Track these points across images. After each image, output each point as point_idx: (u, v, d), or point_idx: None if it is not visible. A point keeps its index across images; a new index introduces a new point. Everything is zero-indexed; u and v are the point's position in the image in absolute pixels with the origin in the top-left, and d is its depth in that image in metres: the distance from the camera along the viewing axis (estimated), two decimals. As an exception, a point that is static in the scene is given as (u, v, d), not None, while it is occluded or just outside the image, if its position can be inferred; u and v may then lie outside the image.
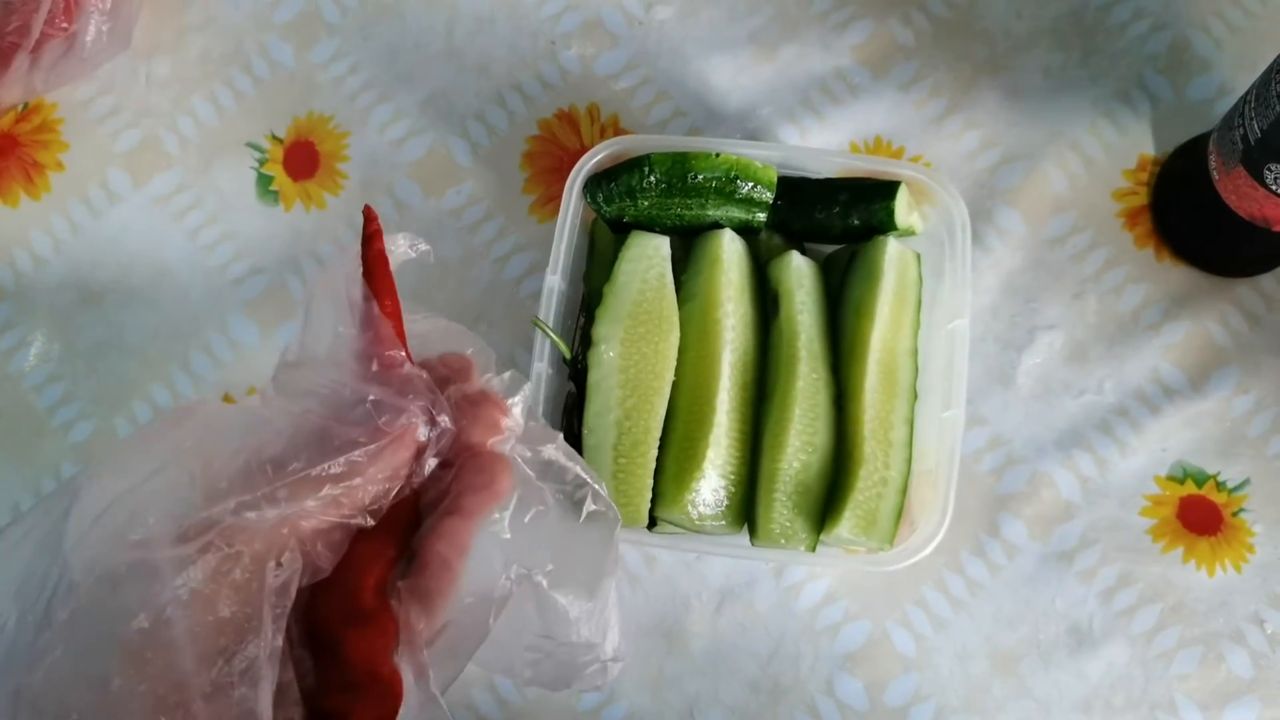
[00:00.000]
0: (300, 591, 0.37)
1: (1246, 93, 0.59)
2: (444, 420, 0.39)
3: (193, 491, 0.35)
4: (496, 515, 0.40)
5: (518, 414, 0.42)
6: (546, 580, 0.41)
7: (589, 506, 0.43)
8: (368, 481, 0.37)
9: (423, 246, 0.44)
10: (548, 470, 0.43)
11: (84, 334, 0.70)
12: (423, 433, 0.38)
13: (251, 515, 0.34)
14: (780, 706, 0.63)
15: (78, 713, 0.31)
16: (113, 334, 0.70)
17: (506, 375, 0.43)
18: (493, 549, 0.40)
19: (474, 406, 0.40)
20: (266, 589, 0.33)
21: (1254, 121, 0.57)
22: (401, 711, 0.37)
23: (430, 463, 0.39)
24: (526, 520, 0.41)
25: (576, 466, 0.44)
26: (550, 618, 0.42)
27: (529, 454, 0.42)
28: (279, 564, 0.34)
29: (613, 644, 0.44)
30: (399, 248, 0.44)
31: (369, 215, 0.43)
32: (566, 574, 0.42)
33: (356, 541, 0.38)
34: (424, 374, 0.40)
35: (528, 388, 0.43)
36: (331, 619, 0.37)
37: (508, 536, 0.41)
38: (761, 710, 0.63)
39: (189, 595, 0.32)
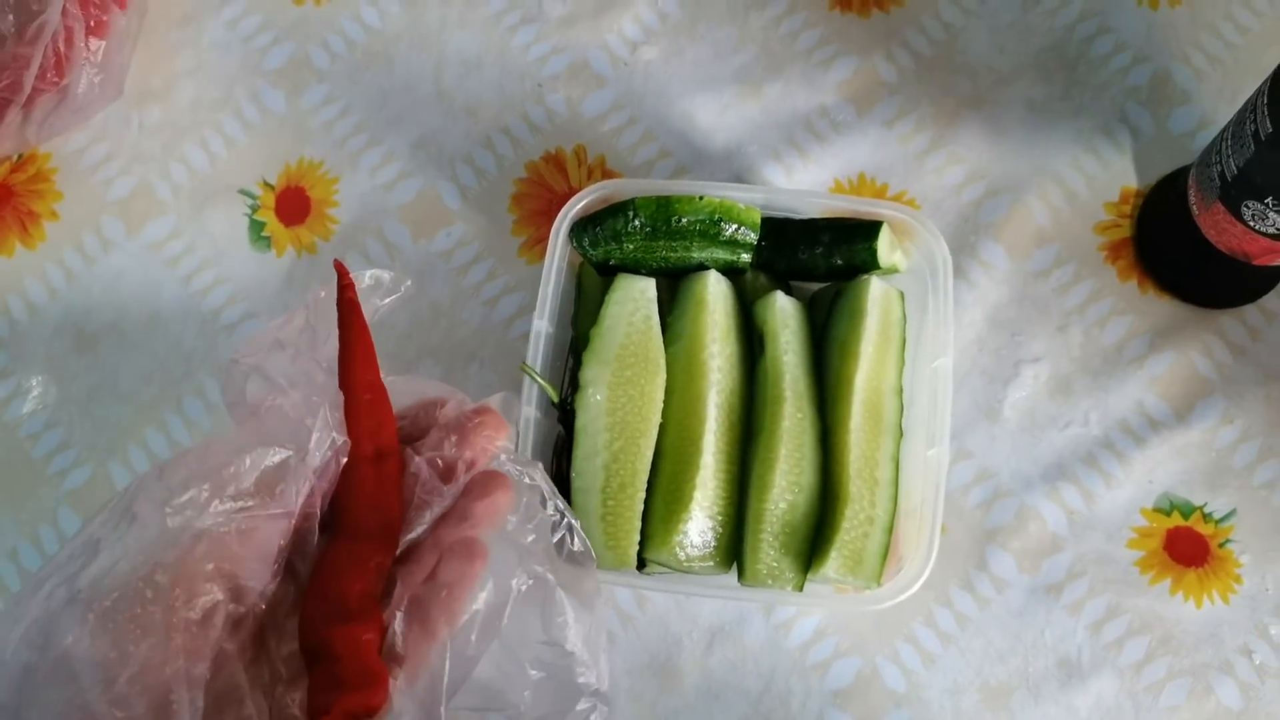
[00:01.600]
0: (268, 614, 0.38)
1: (1223, 130, 0.60)
2: (333, 432, 0.40)
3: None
4: (509, 519, 0.42)
5: (512, 432, 0.44)
6: (555, 579, 0.43)
7: (568, 545, 0.45)
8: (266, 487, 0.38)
9: (387, 276, 0.46)
10: (534, 495, 0.44)
11: (79, 380, 0.71)
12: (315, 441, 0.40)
13: (154, 535, 0.35)
14: (772, 743, 0.63)
15: None
16: (107, 380, 0.71)
17: (500, 396, 0.45)
18: (507, 550, 0.42)
19: (474, 420, 0.43)
20: (176, 622, 0.34)
21: (1230, 159, 0.57)
22: (402, 708, 0.38)
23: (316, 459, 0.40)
24: (531, 525, 0.43)
25: (556, 500, 0.45)
26: (555, 621, 0.43)
27: (518, 473, 0.44)
28: (193, 595, 0.35)
29: (604, 675, 0.45)
30: (370, 284, 0.45)
31: (340, 270, 0.44)
32: (565, 582, 0.43)
33: (337, 550, 0.40)
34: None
35: (515, 411, 0.45)
36: (317, 623, 0.39)
37: (528, 540, 0.43)
38: (753, 747, 0.63)
39: (89, 642, 0.33)
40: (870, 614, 0.65)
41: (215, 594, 0.36)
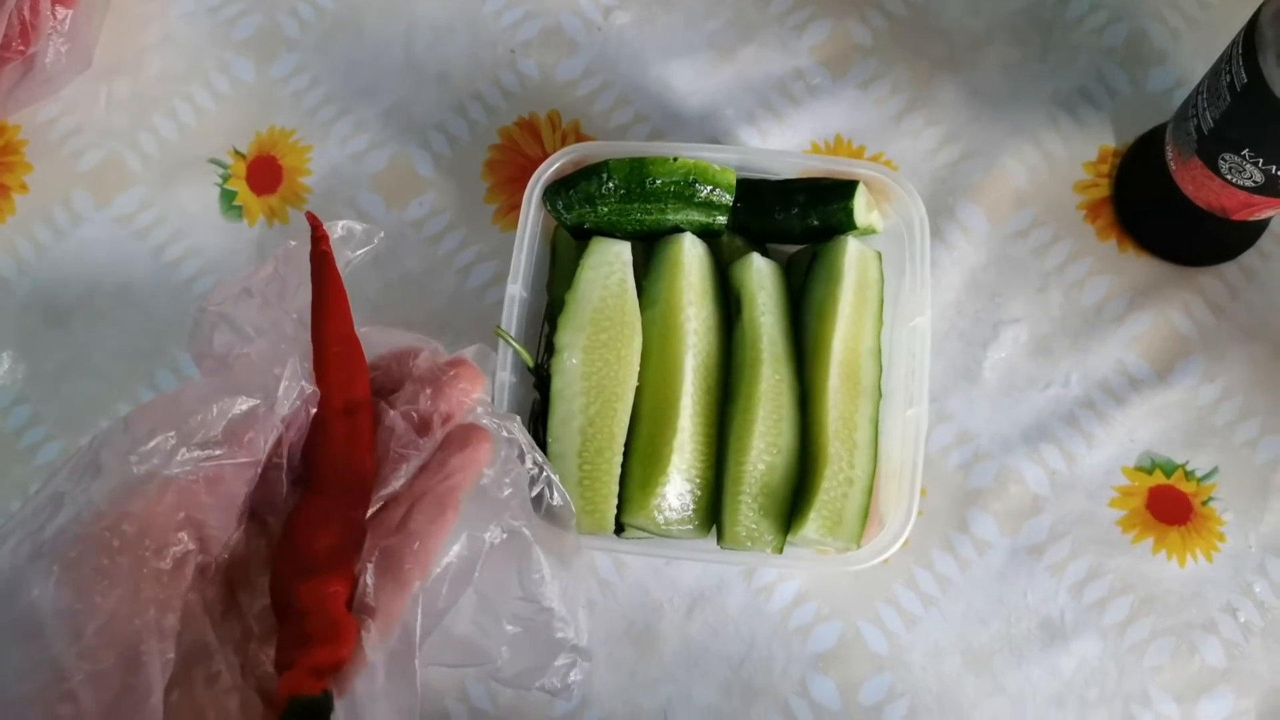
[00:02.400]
0: (238, 567, 0.38)
1: (1199, 84, 0.59)
2: (302, 381, 0.40)
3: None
4: (485, 473, 0.41)
5: (487, 384, 0.43)
6: (532, 534, 0.42)
7: (547, 500, 0.45)
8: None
9: (359, 228, 0.46)
10: (513, 449, 0.44)
11: (50, 355, 0.70)
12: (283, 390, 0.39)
13: (117, 484, 0.35)
14: (754, 708, 0.63)
15: None
16: (78, 354, 0.70)
17: (474, 348, 0.44)
18: (483, 503, 0.41)
19: (448, 372, 0.42)
20: (144, 571, 0.34)
21: (1207, 112, 0.57)
22: (366, 670, 0.37)
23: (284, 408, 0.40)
24: (508, 480, 0.42)
25: (534, 453, 0.44)
26: (532, 578, 0.42)
27: (495, 426, 0.43)
28: (162, 544, 0.34)
29: (582, 630, 0.44)
30: (341, 235, 0.45)
31: (313, 221, 0.44)
32: (542, 538, 0.43)
33: (308, 504, 0.40)
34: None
35: (490, 360, 0.44)
36: (285, 578, 0.39)
37: (503, 494, 0.42)
38: (735, 713, 0.63)
39: (56, 593, 0.32)
40: (851, 578, 0.64)
41: (186, 543, 0.35)
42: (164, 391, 0.69)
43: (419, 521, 0.39)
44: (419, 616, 0.39)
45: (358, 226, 0.46)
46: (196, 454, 0.36)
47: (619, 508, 0.59)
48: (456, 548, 0.40)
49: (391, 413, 0.42)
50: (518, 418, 0.44)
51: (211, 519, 0.36)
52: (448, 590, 0.40)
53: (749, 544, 0.58)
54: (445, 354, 0.44)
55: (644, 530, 0.59)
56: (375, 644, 0.38)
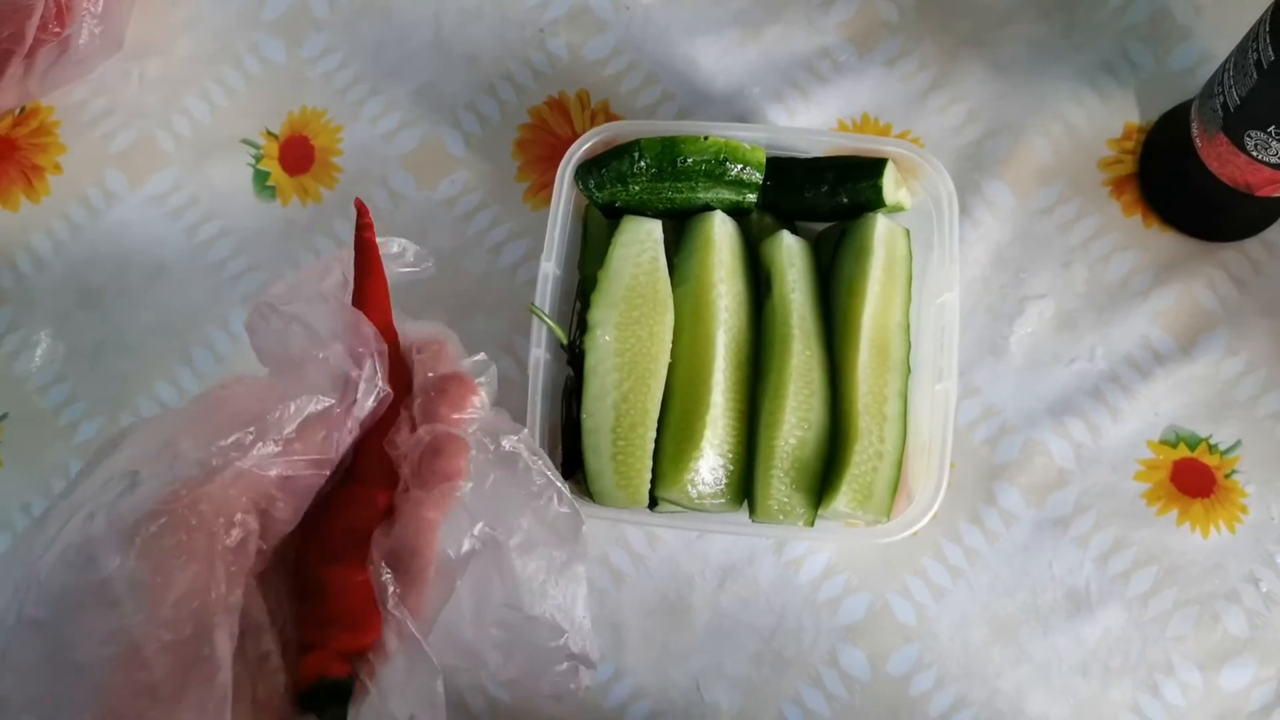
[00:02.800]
0: (278, 549, 0.39)
1: (1225, 61, 0.60)
2: (379, 382, 0.41)
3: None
4: (462, 485, 0.42)
5: (484, 396, 0.43)
6: (513, 541, 0.43)
7: (555, 509, 0.45)
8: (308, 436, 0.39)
9: (413, 250, 0.48)
10: (509, 461, 0.44)
11: (86, 334, 0.71)
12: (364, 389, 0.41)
13: (196, 473, 0.36)
14: (784, 679, 0.64)
15: (42, 684, 0.33)
16: (114, 333, 0.71)
17: (478, 358, 0.45)
18: (460, 513, 0.42)
19: (445, 384, 0.43)
20: (218, 549, 0.35)
21: (1233, 89, 0.58)
22: (390, 659, 0.39)
23: (367, 404, 0.41)
24: (486, 487, 0.43)
25: (540, 463, 0.45)
26: (514, 585, 0.43)
27: (490, 444, 0.43)
28: (231, 524, 0.36)
29: (582, 639, 0.45)
30: (396, 251, 0.47)
31: (360, 208, 0.45)
32: (532, 546, 0.44)
33: (341, 491, 0.41)
34: (374, 331, 0.42)
35: (492, 371, 0.45)
36: (313, 560, 0.40)
37: (473, 500, 0.42)
38: (766, 683, 0.64)
39: (134, 565, 0.34)
40: (880, 550, 0.65)
41: (252, 525, 0.37)
42: (201, 370, 0.70)
43: (408, 531, 0.40)
44: (413, 613, 0.40)
45: (412, 248, 0.47)
46: (272, 449, 0.38)
47: (652, 482, 0.60)
48: (450, 550, 0.42)
49: (403, 412, 0.43)
50: (523, 429, 0.44)
51: (278, 510, 0.38)
52: (436, 591, 0.41)
53: (781, 517, 0.59)
54: (460, 347, 0.45)
55: (677, 504, 0.60)
56: (394, 635, 0.40)
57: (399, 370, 0.44)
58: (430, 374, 0.43)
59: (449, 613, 0.42)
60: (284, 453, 0.38)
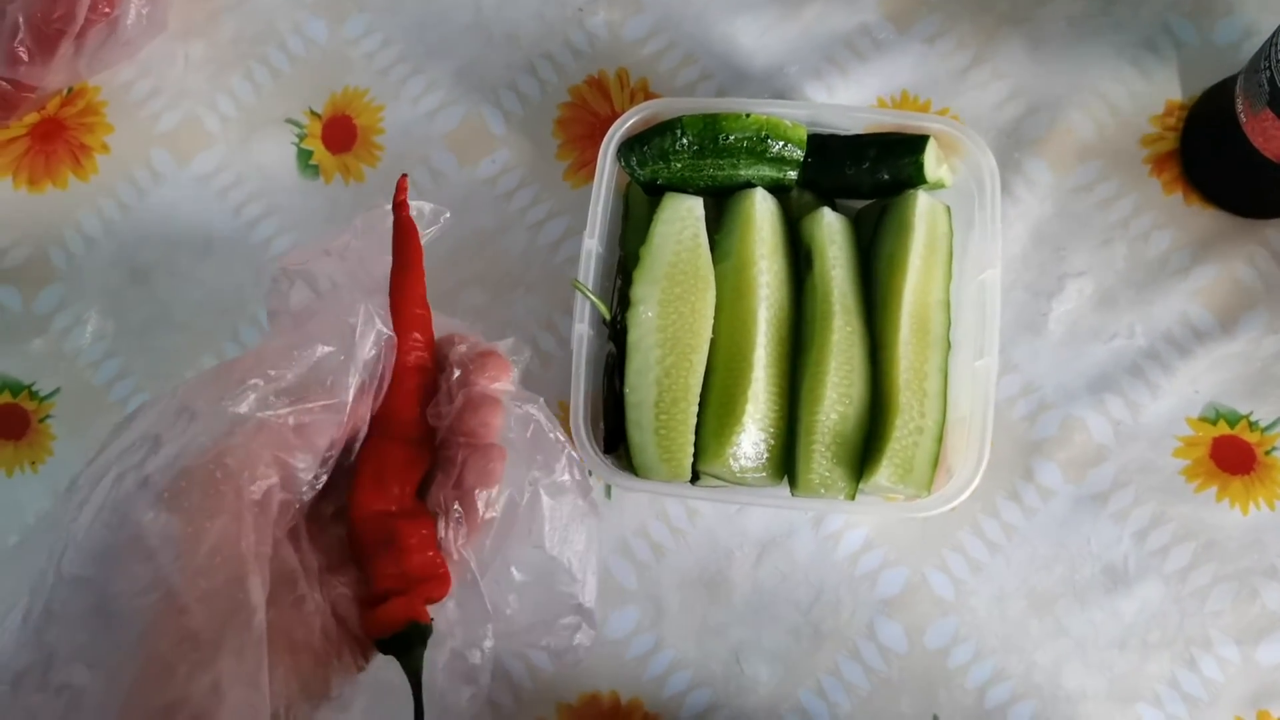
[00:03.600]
0: (312, 500, 0.41)
1: (1273, 35, 0.59)
2: (378, 324, 0.43)
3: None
4: (508, 436, 0.45)
5: (516, 373, 0.46)
6: (546, 481, 0.46)
7: (565, 476, 0.47)
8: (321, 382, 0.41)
9: (427, 208, 0.49)
10: (535, 429, 0.46)
11: (135, 311, 0.72)
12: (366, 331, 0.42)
13: (216, 429, 0.38)
14: (823, 651, 0.65)
15: (89, 635, 0.34)
16: (162, 310, 0.72)
17: (508, 341, 0.47)
18: (507, 463, 0.44)
19: (483, 360, 0.45)
20: (245, 502, 0.37)
21: None
22: (451, 594, 0.42)
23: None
24: (522, 441, 0.46)
25: (556, 430, 0.47)
26: (542, 524, 0.45)
27: (517, 408, 0.46)
28: (254, 476, 0.37)
29: (590, 593, 0.47)
30: (413, 214, 0.48)
31: (400, 185, 0.47)
32: (561, 491, 0.46)
33: (392, 450, 0.43)
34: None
35: (526, 353, 0.47)
36: (380, 516, 0.42)
37: (512, 452, 0.45)
38: (804, 655, 0.65)
39: (166, 519, 0.35)
40: (917, 525, 0.66)
41: (272, 478, 0.38)
42: (248, 346, 0.71)
43: (473, 476, 0.43)
44: (474, 559, 0.43)
45: (426, 206, 0.49)
46: (283, 400, 0.39)
47: (695, 456, 0.61)
48: (501, 502, 0.44)
49: (442, 381, 0.46)
50: (540, 399, 0.47)
51: (296, 459, 0.39)
52: (491, 543, 0.44)
53: (822, 491, 0.60)
54: (483, 343, 0.47)
55: (719, 478, 0.61)
56: (460, 583, 0.43)
57: (430, 339, 0.46)
58: (467, 349, 0.46)
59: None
60: (294, 401, 0.39)
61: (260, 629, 0.35)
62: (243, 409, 0.38)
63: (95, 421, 0.71)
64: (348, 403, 0.41)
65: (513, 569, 0.45)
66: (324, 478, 0.41)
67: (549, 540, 0.45)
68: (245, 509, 0.37)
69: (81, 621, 0.34)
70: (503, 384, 0.45)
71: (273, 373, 0.39)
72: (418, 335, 0.45)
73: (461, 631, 0.43)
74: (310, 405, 0.40)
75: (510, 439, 0.45)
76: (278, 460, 0.38)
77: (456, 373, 0.45)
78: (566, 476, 0.46)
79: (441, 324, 0.47)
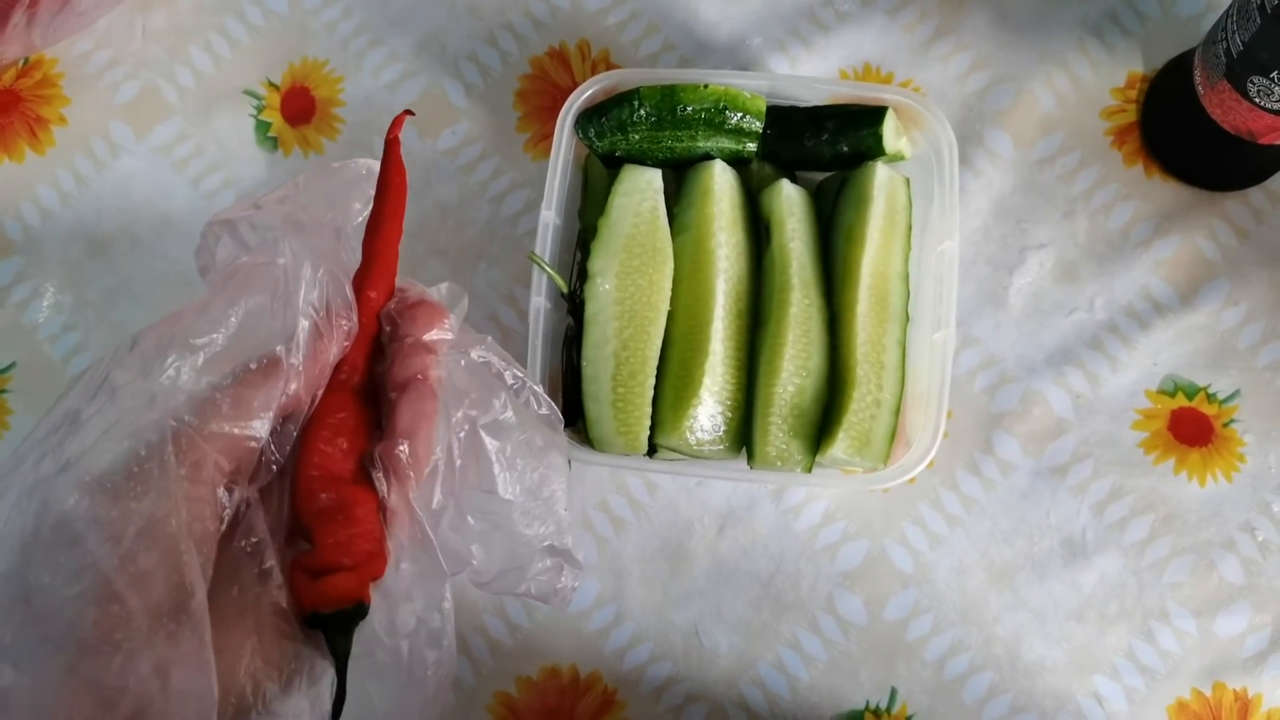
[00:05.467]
0: (270, 464, 0.39)
1: (1229, 7, 0.59)
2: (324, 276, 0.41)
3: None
4: (440, 375, 0.43)
5: (454, 319, 0.44)
6: (483, 420, 0.43)
7: (533, 408, 0.45)
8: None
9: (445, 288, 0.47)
10: (481, 370, 0.45)
11: (94, 284, 0.71)
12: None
13: (137, 404, 0.36)
14: (783, 623, 0.65)
15: (12, 630, 0.33)
16: (122, 283, 0.71)
17: (444, 286, 0.46)
18: (440, 404, 0.42)
19: (414, 310, 0.43)
20: (173, 478, 0.35)
21: (1236, 35, 0.57)
22: (401, 550, 0.40)
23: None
24: (458, 382, 0.44)
25: (512, 368, 0.45)
26: (487, 465, 0.43)
27: (461, 358, 0.44)
28: (180, 449, 0.36)
29: (565, 535, 0.45)
30: (364, 174, 0.47)
31: (396, 122, 0.46)
32: (505, 427, 0.44)
33: (349, 409, 0.41)
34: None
35: (464, 300, 0.45)
36: (335, 481, 0.40)
37: (448, 392, 0.43)
38: (764, 627, 0.65)
39: (90, 503, 0.34)
40: (878, 498, 0.66)
41: (204, 450, 0.36)
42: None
43: (404, 421, 0.41)
44: (421, 510, 0.41)
45: (378, 165, 0.47)
46: (213, 365, 0.37)
47: (652, 429, 0.61)
48: (440, 448, 0.42)
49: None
50: (488, 338, 0.45)
51: (234, 426, 0.37)
52: (439, 490, 0.42)
53: (779, 464, 0.60)
54: (414, 293, 0.45)
55: (676, 451, 0.61)
56: (395, 540, 0.40)
57: (391, 290, 0.44)
58: (396, 302, 0.44)
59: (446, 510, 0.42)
60: (221, 365, 0.37)
61: (200, 609, 0.34)
62: (163, 378, 0.36)
63: (53, 395, 0.70)
64: (284, 362, 0.39)
65: (469, 517, 0.43)
66: (288, 444, 0.39)
67: (500, 483, 0.43)
68: (174, 485, 0.35)
69: (4, 618, 0.33)
70: (439, 332, 0.43)
71: (198, 340, 0.37)
72: (383, 285, 0.44)
73: (421, 593, 0.40)
74: (237, 369, 0.38)
75: (456, 384, 0.43)
76: (212, 432, 0.36)
77: (387, 327, 0.43)
78: (511, 414, 0.44)
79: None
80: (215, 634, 0.35)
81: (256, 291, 0.39)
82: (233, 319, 0.38)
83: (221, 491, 0.37)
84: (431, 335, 0.43)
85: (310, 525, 0.40)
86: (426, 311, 0.43)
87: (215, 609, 0.35)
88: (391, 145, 0.45)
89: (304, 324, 0.39)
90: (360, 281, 0.43)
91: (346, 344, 0.42)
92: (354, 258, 0.44)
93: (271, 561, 0.38)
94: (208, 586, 0.35)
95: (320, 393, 0.41)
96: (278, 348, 0.39)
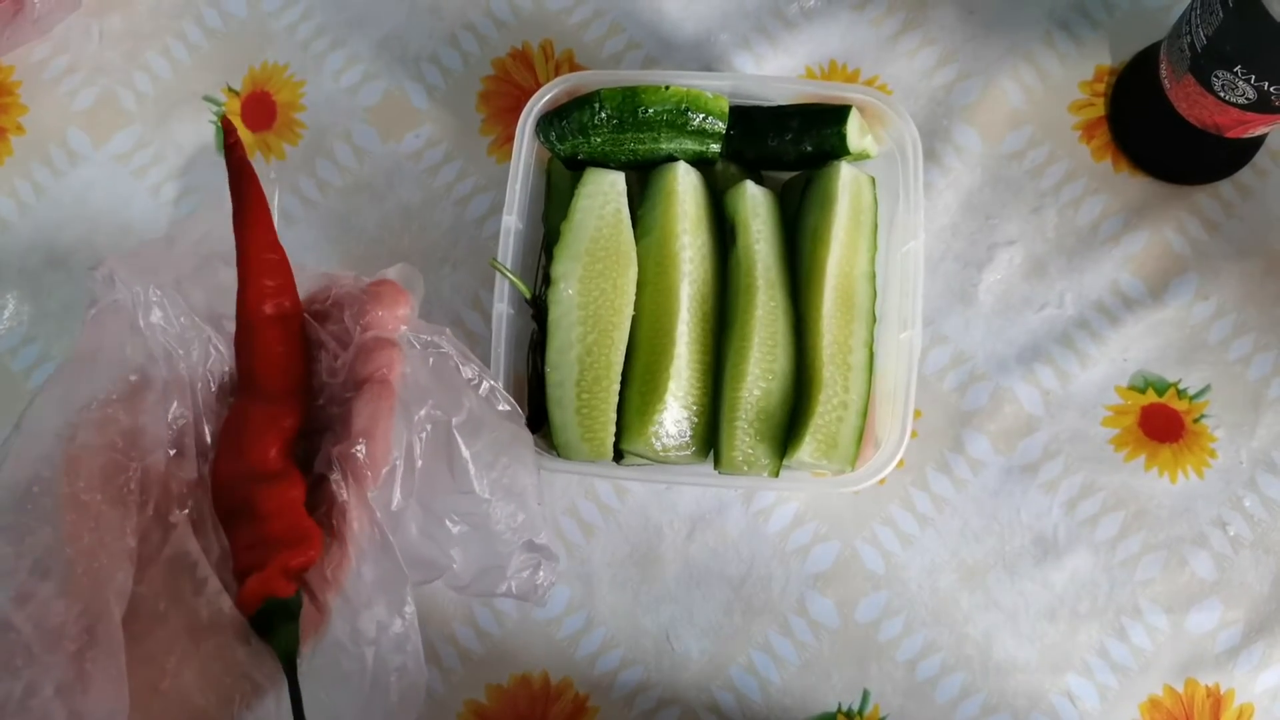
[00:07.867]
0: (191, 481, 0.40)
1: (1193, 1, 0.59)
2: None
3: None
4: (404, 371, 0.43)
5: (415, 303, 0.44)
6: (456, 420, 0.43)
7: (491, 402, 0.45)
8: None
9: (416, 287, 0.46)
10: (443, 368, 0.44)
11: (54, 295, 0.71)
12: None
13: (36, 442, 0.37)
14: (754, 626, 0.64)
15: None
16: (82, 294, 0.70)
17: (398, 267, 0.45)
18: (403, 403, 0.42)
19: (378, 289, 0.43)
20: (74, 505, 0.36)
21: (1200, 29, 0.57)
22: (361, 555, 0.40)
23: None
24: (422, 379, 0.43)
25: (471, 362, 0.45)
26: (464, 467, 0.43)
27: (419, 345, 0.44)
28: (82, 481, 0.36)
29: (540, 529, 0.45)
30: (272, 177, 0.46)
31: (227, 126, 0.44)
32: (478, 426, 0.44)
33: (250, 411, 0.41)
34: None
35: (419, 281, 0.45)
36: (236, 483, 0.40)
37: (411, 391, 0.43)
38: (736, 631, 0.64)
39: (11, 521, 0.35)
40: (848, 499, 0.65)
41: (101, 477, 0.37)
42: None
43: (361, 421, 0.41)
44: (380, 511, 0.40)
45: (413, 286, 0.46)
46: (98, 400, 0.38)
47: (618, 435, 0.60)
48: (401, 448, 0.42)
49: (323, 331, 0.43)
50: (446, 330, 0.45)
51: (135, 451, 0.38)
52: (399, 491, 0.41)
53: (745, 469, 0.59)
54: (366, 278, 0.44)
55: (642, 457, 0.60)
56: (355, 544, 0.40)
57: (285, 283, 0.43)
58: (351, 283, 0.44)
59: (406, 519, 0.42)
60: (105, 399, 0.38)
61: (110, 630, 0.34)
62: (61, 419, 0.37)
63: (14, 408, 0.69)
64: (154, 378, 0.39)
65: (446, 521, 0.43)
66: (170, 453, 0.40)
67: (477, 483, 0.43)
68: (72, 512, 0.35)
69: None
70: (404, 311, 0.43)
71: (80, 383, 0.38)
72: (269, 281, 0.42)
73: (383, 599, 0.40)
74: (111, 391, 0.38)
75: (418, 381, 0.43)
76: (110, 461, 0.37)
77: (350, 311, 0.43)
78: (480, 409, 0.44)
79: (304, 276, 0.45)
80: (154, 650, 0.35)
81: (116, 328, 0.40)
82: (102, 354, 0.39)
83: (140, 511, 0.37)
84: (401, 313, 0.43)
85: (226, 532, 0.40)
86: (391, 290, 0.43)
87: (152, 626, 0.36)
88: (232, 149, 0.44)
89: (159, 342, 0.40)
90: (242, 273, 0.42)
91: (217, 352, 0.42)
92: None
93: (206, 572, 0.38)
94: (125, 605, 0.35)
95: (206, 403, 0.41)
96: (143, 366, 0.39)
